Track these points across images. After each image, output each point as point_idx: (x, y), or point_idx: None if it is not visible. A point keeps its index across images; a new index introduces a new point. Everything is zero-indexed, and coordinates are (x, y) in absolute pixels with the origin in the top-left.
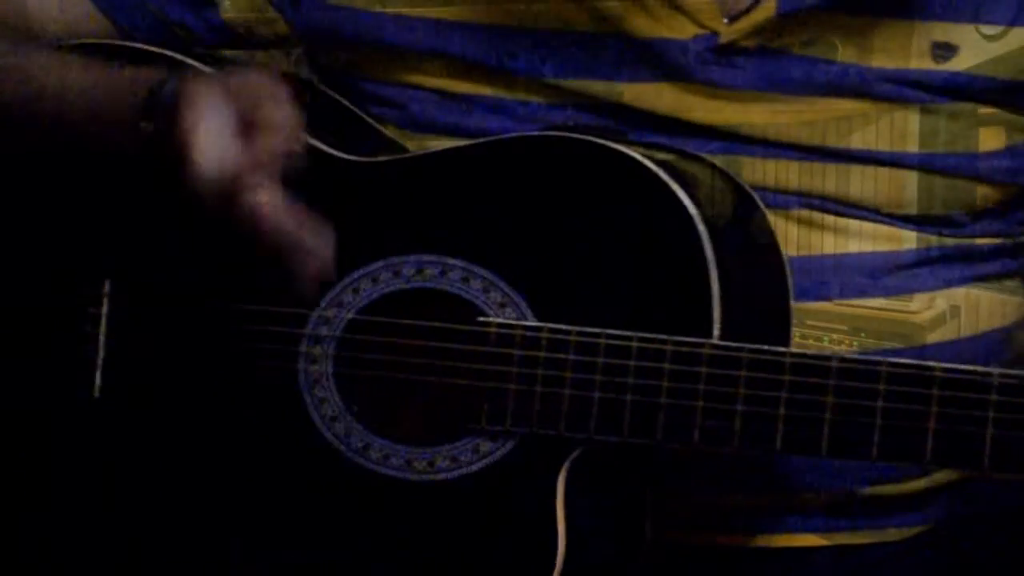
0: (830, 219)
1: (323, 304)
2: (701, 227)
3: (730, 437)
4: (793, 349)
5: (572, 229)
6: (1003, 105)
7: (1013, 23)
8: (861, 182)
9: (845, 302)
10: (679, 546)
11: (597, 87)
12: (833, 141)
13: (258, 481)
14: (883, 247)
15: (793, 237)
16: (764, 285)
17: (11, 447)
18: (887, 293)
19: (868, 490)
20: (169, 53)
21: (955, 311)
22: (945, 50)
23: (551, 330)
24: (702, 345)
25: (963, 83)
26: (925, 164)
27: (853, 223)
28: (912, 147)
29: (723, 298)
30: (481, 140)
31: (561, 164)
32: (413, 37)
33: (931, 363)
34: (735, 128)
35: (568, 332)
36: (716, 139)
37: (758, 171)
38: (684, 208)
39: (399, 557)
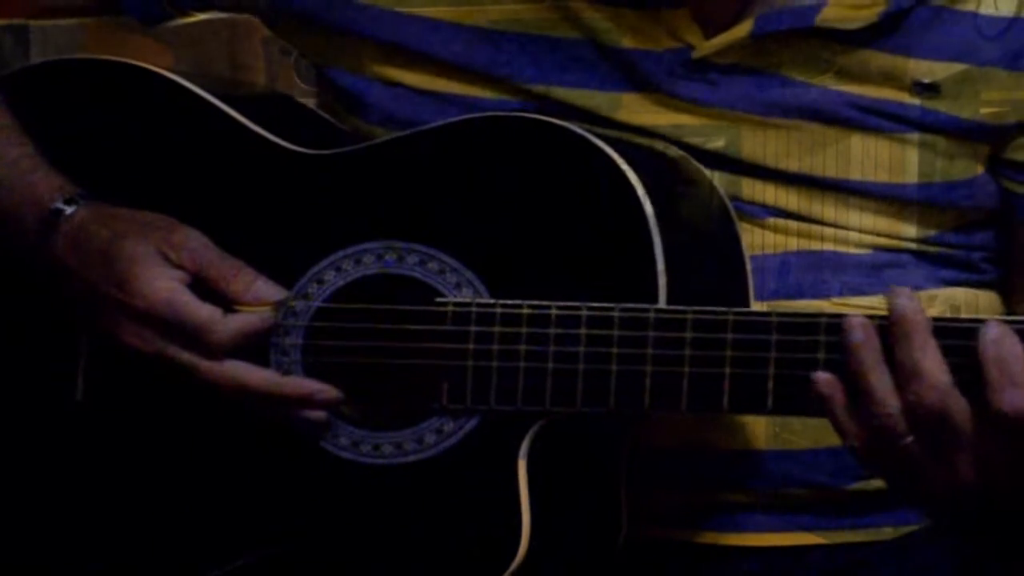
0: (830, 231)
1: (290, 295)
2: (643, 196)
3: (678, 399)
4: (736, 309)
5: (522, 206)
6: (981, 143)
7: (991, 64)
8: (860, 213)
9: (844, 301)
10: (665, 544)
11: (569, 93)
12: (832, 171)
13: (233, 472)
14: (883, 245)
15: (793, 234)
16: (717, 257)
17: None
18: (887, 291)
19: (855, 485)
20: (150, 67)
21: (955, 311)
22: (926, 87)
23: (504, 305)
24: (648, 310)
25: (942, 121)
26: (924, 196)
27: (853, 234)
28: (911, 179)
29: (669, 266)
30: (429, 126)
31: (507, 144)
32: (390, 32)
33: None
34: (732, 152)
35: (520, 306)
36: (710, 160)
37: (758, 192)
38: (625, 177)
39: (372, 542)
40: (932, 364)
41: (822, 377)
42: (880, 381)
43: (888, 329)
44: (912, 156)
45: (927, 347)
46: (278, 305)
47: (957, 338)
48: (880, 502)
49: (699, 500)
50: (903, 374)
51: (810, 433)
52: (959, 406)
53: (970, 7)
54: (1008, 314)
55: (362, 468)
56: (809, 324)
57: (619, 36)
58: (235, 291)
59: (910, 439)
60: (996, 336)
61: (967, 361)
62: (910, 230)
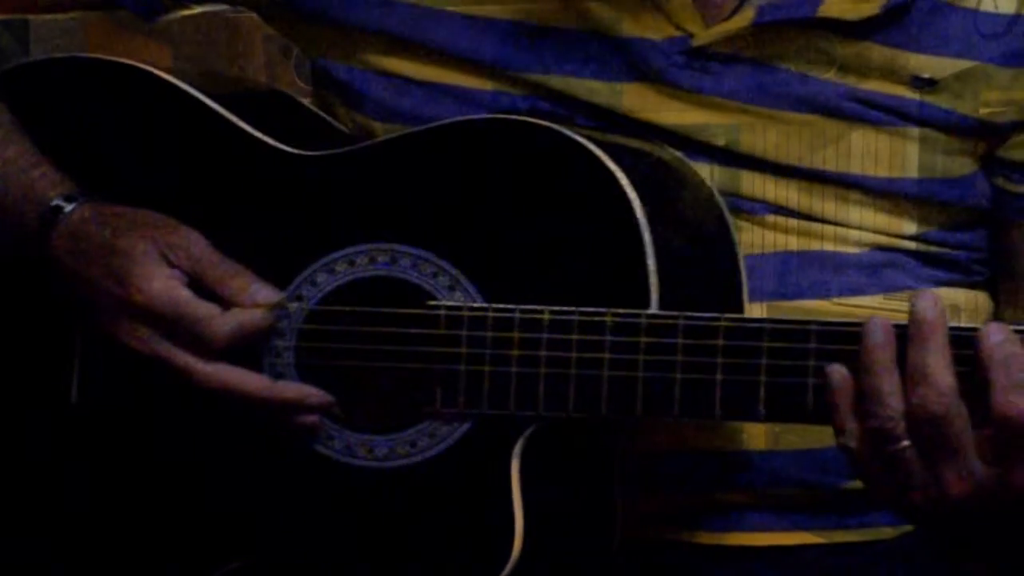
0: (829, 228)
1: (285, 297)
2: (634, 200)
3: (670, 405)
4: (728, 315)
5: (515, 210)
6: (979, 140)
7: (992, 62)
8: (860, 209)
9: (844, 301)
10: (663, 544)
11: (568, 83)
12: (832, 165)
13: (227, 475)
14: (882, 244)
15: (793, 234)
16: (711, 261)
17: None
18: (886, 291)
19: (854, 485)
20: (147, 68)
21: (955, 310)
22: (925, 82)
23: (496, 309)
24: (640, 315)
25: (940, 116)
26: (924, 191)
27: (853, 232)
28: (911, 174)
29: (660, 270)
30: (422, 127)
31: (502, 147)
32: (387, 22)
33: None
34: (731, 145)
35: (512, 310)
36: (710, 154)
37: (757, 187)
38: (617, 182)
39: (365, 545)
40: (943, 371)
41: (836, 370)
42: (888, 383)
43: (904, 330)
44: (912, 151)
45: (942, 353)
46: (275, 307)
47: (959, 346)
48: (879, 502)
49: (697, 500)
50: (912, 376)
51: (808, 433)
52: (960, 414)
53: (970, 4)
54: (996, 317)
55: (355, 471)
56: (799, 331)
57: (620, 25)
58: (232, 294)
59: (906, 443)
60: (1000, 339)
61: (967, 369)
62: (910, 227)
